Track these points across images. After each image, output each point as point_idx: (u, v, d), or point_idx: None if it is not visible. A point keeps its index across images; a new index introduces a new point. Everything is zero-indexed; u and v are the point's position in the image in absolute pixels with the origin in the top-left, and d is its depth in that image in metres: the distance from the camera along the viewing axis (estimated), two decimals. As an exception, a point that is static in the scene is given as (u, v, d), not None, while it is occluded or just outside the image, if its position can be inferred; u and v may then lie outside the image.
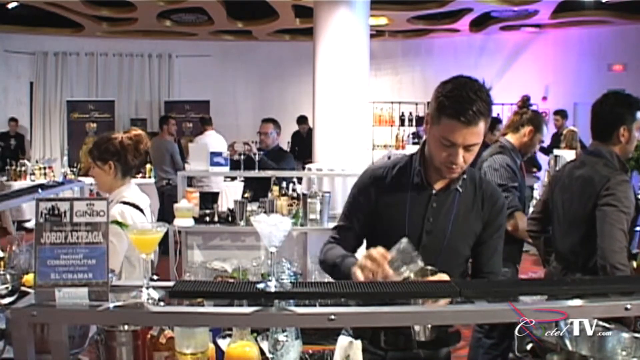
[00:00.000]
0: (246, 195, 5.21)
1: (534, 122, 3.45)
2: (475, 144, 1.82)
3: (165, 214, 8.02)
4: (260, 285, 1.48)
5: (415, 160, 1.99)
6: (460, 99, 1.76)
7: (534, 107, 3.85)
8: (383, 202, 1.98)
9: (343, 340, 1.73)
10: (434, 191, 1.96)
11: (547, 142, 7.30)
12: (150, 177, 8.75)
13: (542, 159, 7.34)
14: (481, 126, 1.79)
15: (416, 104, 11.26)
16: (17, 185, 8.71)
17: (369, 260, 1.71)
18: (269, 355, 1.73)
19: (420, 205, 1.95)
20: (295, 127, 10.62)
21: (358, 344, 1.72)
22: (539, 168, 7.62)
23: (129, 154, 2.81)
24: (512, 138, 3.49)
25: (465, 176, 1.96)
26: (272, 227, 1.48)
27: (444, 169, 1.89)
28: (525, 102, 3.55)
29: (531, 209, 4.14)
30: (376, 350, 1.95)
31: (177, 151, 8.00)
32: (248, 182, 5.94)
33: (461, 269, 2.03)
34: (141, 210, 2.77)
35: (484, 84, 1.85)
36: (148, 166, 8.96)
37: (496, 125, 6.45)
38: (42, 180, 8.58)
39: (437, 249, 1.93)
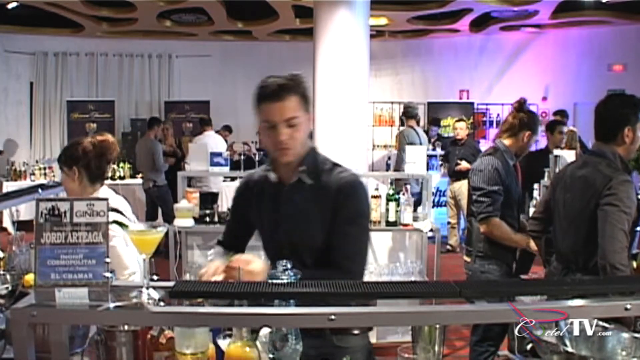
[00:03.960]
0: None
1: (531, 126, 3.51)
2: (293, 117, 1.97)
3: (155, 217, 7.97)
4: (261, 285, 1.48)
5: (265, 164, 2.19)
6: (264, 84, 2.00)
7: (531, 108, 3.86)
8: (255, 207, 2.18)
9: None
10: (285, 187, 2.09)
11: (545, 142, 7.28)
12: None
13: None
14: (292, 100, 1.97)
15: (416, 104, 11.25)
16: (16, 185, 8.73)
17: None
18: (269, 355, 1.73)
19: (274, 203, 2.10)
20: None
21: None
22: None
23: (92, 160, 2.72)
24: (507, 141, 3.52)
25: (304, 167, 2.05)
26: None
27: (278, 155, 2.03)
28: (522, 104, 3.56)
29: (532, 210, 4.14)
30: None
31: (158, 151, 7.95)
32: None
33: (316, 256, 2.06)
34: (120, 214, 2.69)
35: (296, 74, 2.04)
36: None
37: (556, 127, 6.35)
38: (42, 180, 8.60)
39: (291, 242, 2.04)
